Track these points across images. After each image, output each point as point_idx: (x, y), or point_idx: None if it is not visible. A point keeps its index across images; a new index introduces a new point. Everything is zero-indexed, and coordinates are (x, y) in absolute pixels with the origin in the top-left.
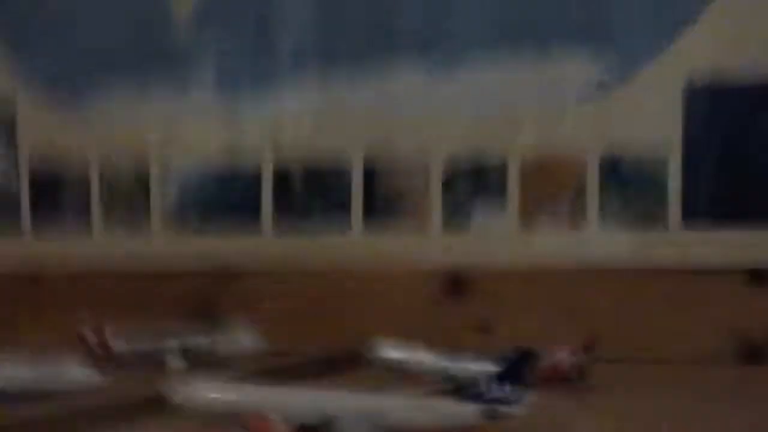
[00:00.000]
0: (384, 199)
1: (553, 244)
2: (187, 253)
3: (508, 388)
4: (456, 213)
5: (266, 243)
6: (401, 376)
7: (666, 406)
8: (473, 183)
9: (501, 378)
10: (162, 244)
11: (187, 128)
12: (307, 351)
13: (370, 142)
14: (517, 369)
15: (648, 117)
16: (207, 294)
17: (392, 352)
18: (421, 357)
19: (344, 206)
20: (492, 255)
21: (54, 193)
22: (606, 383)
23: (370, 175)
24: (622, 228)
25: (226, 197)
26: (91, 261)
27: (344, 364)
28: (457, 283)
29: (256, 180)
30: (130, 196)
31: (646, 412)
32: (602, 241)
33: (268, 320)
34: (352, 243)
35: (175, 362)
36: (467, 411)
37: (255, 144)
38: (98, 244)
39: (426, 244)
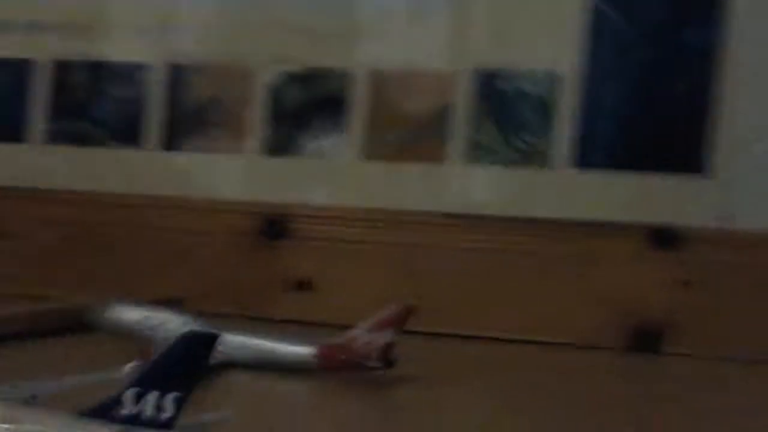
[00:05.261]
0: (192, 104)
1: (404, 181)
2: None
3: (166, 399)
4: (283, 131)
5: (34, 152)
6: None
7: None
8: (307, 96)
9: (152, 382)
10: None
11: None
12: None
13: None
14: (183, 363)
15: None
16: None
17: (128, 312)
18: (165, 318)
19: (137, 111)
20: (323, 190)
21: None
22: (427, 373)
23: (176, 71)
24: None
25: None
26: None
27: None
28: (273, 225)
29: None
30: None
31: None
32: (466, 180)
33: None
34: (146, 158)
35: None
36: None
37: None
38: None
39: (240, 168)
